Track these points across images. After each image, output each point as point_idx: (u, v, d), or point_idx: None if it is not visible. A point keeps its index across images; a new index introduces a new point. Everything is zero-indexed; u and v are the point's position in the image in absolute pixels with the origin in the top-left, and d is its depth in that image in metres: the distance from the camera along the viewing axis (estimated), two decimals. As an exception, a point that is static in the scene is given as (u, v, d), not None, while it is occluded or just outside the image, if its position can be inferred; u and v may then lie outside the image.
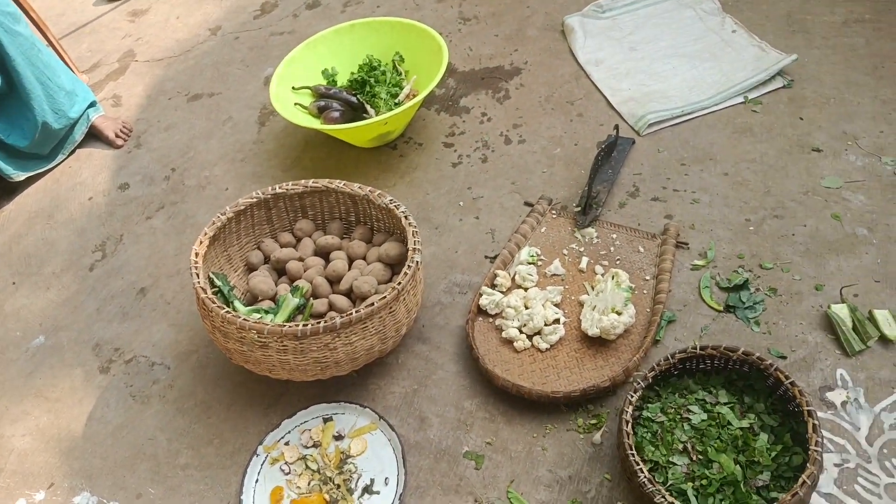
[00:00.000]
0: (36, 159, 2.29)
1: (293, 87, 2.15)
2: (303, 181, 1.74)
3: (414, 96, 2.13)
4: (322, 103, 2.12)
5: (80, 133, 2.33)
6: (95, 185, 2.26)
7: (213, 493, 1.50)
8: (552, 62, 2.36)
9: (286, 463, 1.51)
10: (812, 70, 2.16)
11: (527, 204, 1.94)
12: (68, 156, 2.34)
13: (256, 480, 1.50)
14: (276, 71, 2.12)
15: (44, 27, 2.46)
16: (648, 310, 1.64)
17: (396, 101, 2.12)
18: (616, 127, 1.96)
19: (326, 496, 1.43)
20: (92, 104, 2.37)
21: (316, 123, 2.09)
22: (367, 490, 1.45)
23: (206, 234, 1.60)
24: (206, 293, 1.48)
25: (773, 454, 1.32)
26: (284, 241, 1.79)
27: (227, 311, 1.43)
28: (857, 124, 1.99)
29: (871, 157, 1.90)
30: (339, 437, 1.54)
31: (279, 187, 1.72)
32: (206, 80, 2.58)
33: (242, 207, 1.69)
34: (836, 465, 1.39)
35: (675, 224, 1.80)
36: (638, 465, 1.26)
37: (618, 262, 1.75)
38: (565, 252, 1.80)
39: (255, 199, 1.71)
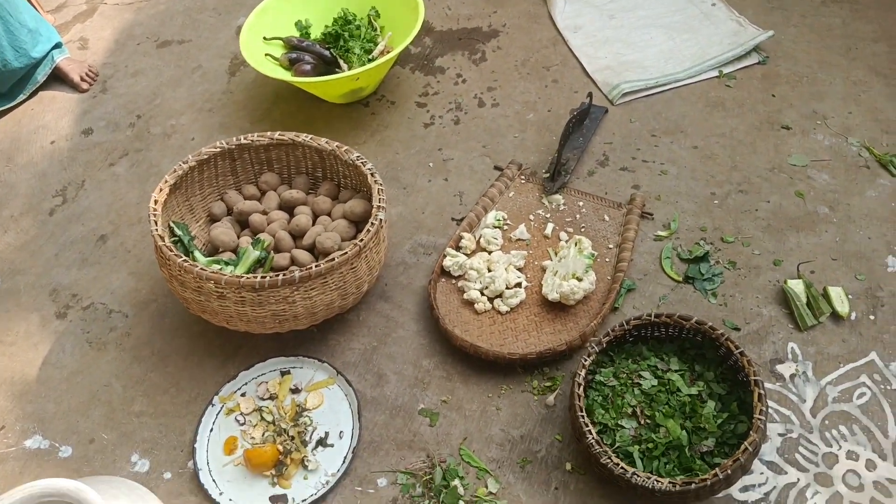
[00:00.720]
0: None
1: (264, 38, 2.10)
2: (269, 133, 1.71)
3: (388, 53, 2.09)
4: (294, 55, 2.08)
5: (42, 74, 2.26)
6: (58, 128, 2.20)
7: (166, 441, 1.50)
8: (531, 26, 2.33)
9: (241, 414, 1.52)
10: (788, 47, 2.16)
11: (496, 168, 1.93)
12: (29, 96, 2.27)
13: (211, 430, 1.50)
14: (248, 20, 2.07)
15: (8, -38, 2.36)
16: (609, 277, 1.66)
17: (370, 56, 2.08)
18: (589, 95, 1.95)
19: (280, 447, 1.44)
20: (57, 45, 2.29)
21: (287, 76, 2.05)
22: (321, 443, 1.46)
23: (166, 181, 1.58)
24: (163, 241, 1.45)
25: (719, 421, 1.35)
26: (248, 193, 1.76)
27: (185, 260, 1.42)
28: (827, 104, 2.00)
29: (839, 137, 1.92)
30: (295, 391, 1.55)
31: (244, 138, 1.69)
32: (176, 26, 2.51)
33: (206, 157, 1.66)
34: (779, 434, 1.43)
35: (642, 194, 1.81)
36: (587, 426, 1.29)
37: (583, 230, 1.76)
38: (531, 217, 1.80)
39: (218, 150, 1.68)
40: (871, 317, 1.57)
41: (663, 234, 1.75)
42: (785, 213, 1.77)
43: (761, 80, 2.08)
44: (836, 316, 1.58)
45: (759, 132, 1.95)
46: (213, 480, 1.43)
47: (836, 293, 1.60)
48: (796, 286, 1.61)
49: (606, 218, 1.78)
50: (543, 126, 2.02)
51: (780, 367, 1.52)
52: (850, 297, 1.60)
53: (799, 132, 1.94)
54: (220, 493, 1.41)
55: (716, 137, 1.95)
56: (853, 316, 1.57)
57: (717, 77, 2.10)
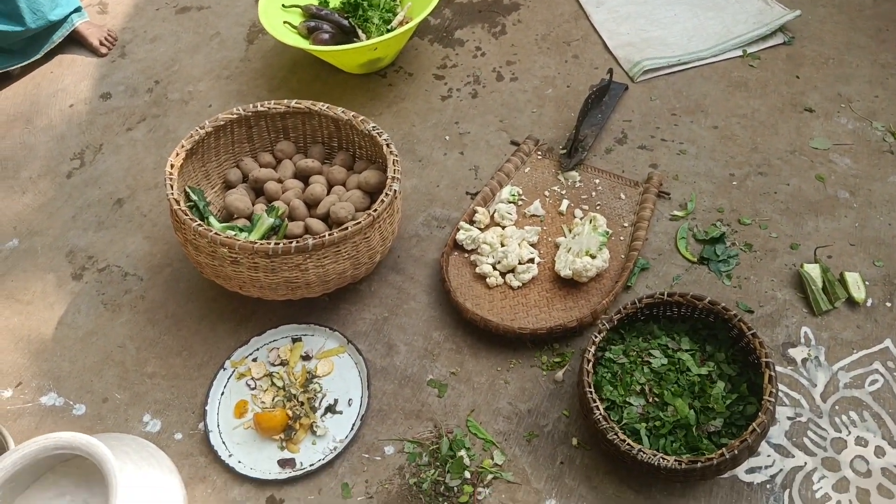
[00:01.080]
0: (5, 53, 2.21)
1: (283, 6, 2.08)
2: (286, 101, 1.70)
3: (407, 24, 2.07)
4: (312, 24, 2.06)
5: (59, 36, 2.26)
6: (77, 92, 2.21)
7: (178, 402, 1.52)
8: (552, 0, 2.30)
9: (252, 378, 1.53)
10: (814, 28, 2.11)
11: (513, 143, 1.92)
12: (44, 57, 2.27)
13: (222, 393, 1.52)
14: (268, -14, 2.06)
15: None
16: (623, 256, 1.65)
17: (389, 27, 2.06)
18: (610, 71, 1.92)
19: (289, 412, 1.46)
20: (77, 9, 2.29)
21: (304, 44, 2.03)
22: (331, 409, 1.48)
23: (183, 146, 1.58)
24: (179, 205, 1.46)
25: (728, 402, 1.35)
26: (264, 161, 1.76)
27: (199, 225, 1.42)
28: (852, 87, 1.96)
29: (863, 121, 1.88)
30: (306, 358, 1.56)
31: (261, 105, 1.69)
32: (196, -8, 2.50)
33: (222, 123, 1.66)
34: (788, 418, 1.43)
35: (659, 173, 1.79)
36: (595, 402, 1.29)
37: (598, 207, 1.75)
38: (547, 194, 1.79)
39: (235, 116, 1.67)
40: (888, 304, 1.55)
41: (680, 214, 1.73)
42: (804, 196, 1.75)
43: (786, 60, 2.04)
44: (851, 302, 1.56)
45: (781, 114, 1.92)
46: (223, 442, 1.45)
47: (852, 279, 1.58)
48: (812, 270, 1.59)
49: (622, 196, 1.76)
50: (562, 102, 2.00)
51: (792, 351, 1.51)
52: (866, 283, 1.58)
53: (822, 115, 1.91)
54: (230, 455, 1.43)
55: (737, 118, 1.92)
56: (869, 302, 1.56)
57: (740, 56, 2.06)
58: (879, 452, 1.37)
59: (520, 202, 1.77)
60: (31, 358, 1.63)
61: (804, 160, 1.82)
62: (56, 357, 1.62)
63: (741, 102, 1.95)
